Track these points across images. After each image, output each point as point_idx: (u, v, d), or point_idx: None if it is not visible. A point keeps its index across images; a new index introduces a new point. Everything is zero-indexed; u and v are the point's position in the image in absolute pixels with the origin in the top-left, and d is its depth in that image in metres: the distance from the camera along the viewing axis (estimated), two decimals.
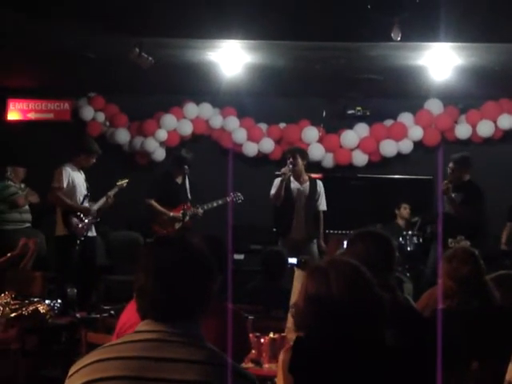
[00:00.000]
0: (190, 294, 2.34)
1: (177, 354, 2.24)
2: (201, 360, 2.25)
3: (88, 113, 11.99)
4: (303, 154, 9.64)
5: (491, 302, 4.25)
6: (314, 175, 9.83)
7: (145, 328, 2.33)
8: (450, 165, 9.17)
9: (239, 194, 10.16)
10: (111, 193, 9.45)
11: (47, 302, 6.55)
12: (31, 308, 6.39)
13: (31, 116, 12.24)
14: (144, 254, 2.43)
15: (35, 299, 6.57)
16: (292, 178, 9.46)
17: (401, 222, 10.83)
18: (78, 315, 6.81)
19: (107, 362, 2.27)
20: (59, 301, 6.73)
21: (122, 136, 11.98)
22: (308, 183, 9.56)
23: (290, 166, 9.33)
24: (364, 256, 3.75)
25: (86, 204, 9.22)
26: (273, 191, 9.46)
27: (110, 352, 2.31)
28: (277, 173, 9.78)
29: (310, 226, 9.48)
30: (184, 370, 2.22)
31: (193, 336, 2.31)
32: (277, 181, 9.47)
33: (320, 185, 9.64)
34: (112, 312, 6.30)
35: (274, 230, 10.00)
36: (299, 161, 9.41)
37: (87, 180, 9.36)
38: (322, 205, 9.59)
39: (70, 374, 2.33)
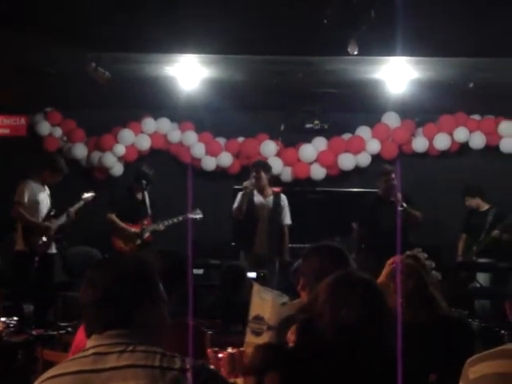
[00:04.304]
0: (133, 307, 2.44)
1: (113, 363, 2.32)
2: (139, 364, 2.32)
3: (44, 128, 11.88)
4: (267, 167, 9.66)
5: (438, 313, 4.26)
6: (273, 189, 9.83)
7: (90, 345, 2.42)
8: (395, 182, 9.27)
9: (199, 211, 10.10)
10: (73, 209, 9.36)
11: (3, 319, 6.48)
12: None
13: None
14: (91, 272, 2.50)
15: None
16: (255, 192, 9.46)
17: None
18: (34, 332, 6.72)
19: (56, 379, 2.36)
20: (15, 318, 6.64)
21: (80, 151, 11.89)
22: (272, 197, 9.57)
23: (253, 180, 9.33)
24: (319, 269, 3.75)
25: (49, 220, 9.13)
26: (235, 205, 9.44)
27: (59, 369, 2.40)
28: (235, 187, 9.77)
29: (273, 240, 9.46)
30: (123, 376, 2.30)
31: (131, 343, 2.38)
32: (240, 195, 9.45)
33: (284, 199, 9.65)
34: (69, 329, 6.25)
35: (233, 244, 9.97)
36: (263, 174, 9.42)
37: (50, 196, 9.28)
38: (287, 219, 9.60)
39: None
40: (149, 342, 2.40)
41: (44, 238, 9.03)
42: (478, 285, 9.76)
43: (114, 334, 2.39)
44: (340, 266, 3.83)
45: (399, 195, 8.96)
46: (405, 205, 9.03)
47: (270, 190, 9.61)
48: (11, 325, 6.49)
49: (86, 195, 9.62)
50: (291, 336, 3.23)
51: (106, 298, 2.41)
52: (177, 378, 2.29)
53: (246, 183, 9.35)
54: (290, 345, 3.21)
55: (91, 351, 2.38)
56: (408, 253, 4.96)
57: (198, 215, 10.10)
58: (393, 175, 9.33)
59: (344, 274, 3.00)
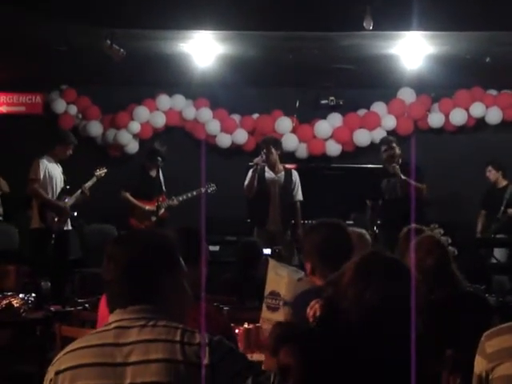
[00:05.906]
0: (155, 282, 2.45)
1: (134, 337, 2.34)
2: (160, 339, 2.33)
3: (60, 106, 11.89)
4: (277, 143, 9.58)
5: (457, 289, 4.25)
6: (287, 166, 9.79)
7: (112, 319, 2.44)
8: (396, 150, 9.21)
9: (213, 185, 10.14)
10: (87, 185, 9.39)
11: (21, 295, 6.50)
12: (4, 302, 6.33)
13: (2, 109, 12.11)
14: (112, 247, 2.50)
15: (9, 293, 6.52)
16: (267, 168, 9.40)
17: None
18: (52, 309, 6.76)
19: (78, 352, 2.38)
20: (33, 294, 6.68)
21: (95, 129, 11.91)
22: (283, 173, 9.49)
23: (263, 157, 9.28)
24: (320, 245, 3.76)
25: (64, 198, 9.17)
26: (246, 182, 9.42)
27: (81, 342, 2.42)
28: (250, 163, 9.75)
29: (285, 216, 9.43)
30: (144, 350, 2.32)
31: (153, 318, 2.39)
32: (250, 172, 9.42)
33: (295, 175, 9.57)
34: (86, 305, 6.26)
35: (249, 220, 9.97)
36: (273, 150, 9.35)
37: (64, 173, 9.31)
38: (299, 195, 9.53)
39: (52, 362, 2.44)
40: (170, 317, 2.41)
41: (59, 215, 9.08)
42: (495, 260, 9.74)
43: (136, 309, 2.40)
44: (341, 241, 3.84)
45: (395, 165, 8.96)
46: (396, 166, 8.99)
47: (281, 166, 9.53)
48: (29, 301, 6.53)
49: (99, 171, 9.65)
50: (310, 311, 3.21)
51: (128, 273, 2.42)
52: (196, 352, 2.31)
53: (256, 160, 9.30)
54: (310, 320, 3.19)
55: (113, 325, 2.39)
56: (412, 226, 4.93)
57: (212, 188, 10.13)
58: (393, 144, 9.26)
59: (371, 253, 2.93)
